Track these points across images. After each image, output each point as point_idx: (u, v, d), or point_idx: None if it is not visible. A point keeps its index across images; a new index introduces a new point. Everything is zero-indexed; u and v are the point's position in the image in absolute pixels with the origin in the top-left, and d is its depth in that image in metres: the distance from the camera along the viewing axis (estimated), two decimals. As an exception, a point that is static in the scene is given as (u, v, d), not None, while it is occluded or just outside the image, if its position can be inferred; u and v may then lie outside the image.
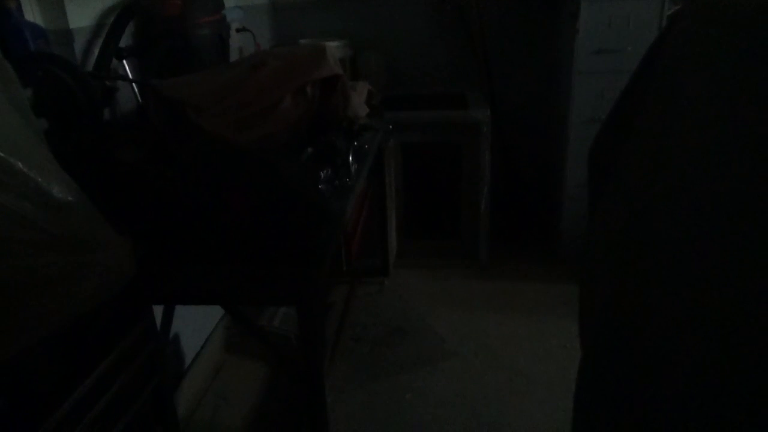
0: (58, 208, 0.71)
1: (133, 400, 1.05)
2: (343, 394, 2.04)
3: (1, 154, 0.67)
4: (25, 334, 0.72)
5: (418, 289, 2.68)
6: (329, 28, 3.00)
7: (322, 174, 1.49)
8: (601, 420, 0.84)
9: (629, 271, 0.73)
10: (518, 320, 2.40)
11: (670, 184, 0.67)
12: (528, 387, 2.03)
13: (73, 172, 0.88)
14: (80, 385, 0.91)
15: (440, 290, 2.66)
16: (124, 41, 1.60)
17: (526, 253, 2.93)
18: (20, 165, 0.67)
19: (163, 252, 1.17)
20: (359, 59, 2.93)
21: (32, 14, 1.40)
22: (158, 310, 1.49)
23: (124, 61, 1.59)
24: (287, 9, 3.05)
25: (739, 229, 0.56)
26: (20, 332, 0.71)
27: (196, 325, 2.05)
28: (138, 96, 1.61)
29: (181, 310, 1.68)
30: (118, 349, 1.00)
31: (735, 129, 0.58)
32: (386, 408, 1.96)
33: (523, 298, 2.56)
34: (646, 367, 0.70)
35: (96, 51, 1.53)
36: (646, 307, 0.69)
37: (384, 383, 2.08)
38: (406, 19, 2.98)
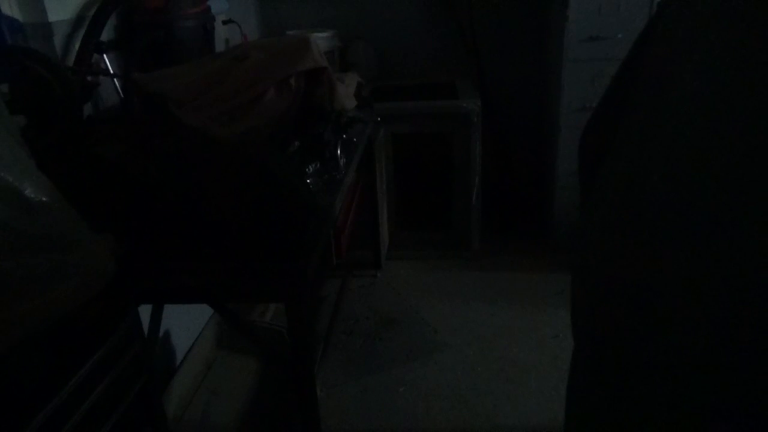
0: (30, 207, 0.69)
1: (119, 402, 1.03)
2: (335, 387, 2.03)
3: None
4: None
5: (411, 280, 2.67)
6: (318, 19, 2.97)
7: (309, 168, 1.47)
8: (595, 410, 0.84)
9: (622, 260, 0.72)
10: (511, 310, 2.39)
11: (663, 171, 0.66)
12: (521, 377, 2.02)
13: (53, 170, 0.85)
14: (63, 388, 0.89)
15: (432, 281, 2.65)
16: (106, 34, 1.56)
17: (518, 242, 2.92)
18: (-11, 164, 0.65)
19: (148, 250, 1.15)
20: (348, 50, 2.90)
21: (9, 7, 1.37)
22: (147, 309, 1.47)
23: (105, 55, 1.55)
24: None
25: (736, 215, 0.55)
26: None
27: (187, 322, 2.03)
28: (120, 91, 1.58)
29: (171, 307, 1.66)
30: (102, 350, 0.98)
31: (728, 111, 0.57)
32: (379, 401, 1.96)
33: (516, 288, 2.55)
34: (640, 357, 0.69)
35: (76, 45, 1.50)
36: (640, 296, 0.68)
37: (377, 376, 2.07)
38: (395, 9, 2.95)
